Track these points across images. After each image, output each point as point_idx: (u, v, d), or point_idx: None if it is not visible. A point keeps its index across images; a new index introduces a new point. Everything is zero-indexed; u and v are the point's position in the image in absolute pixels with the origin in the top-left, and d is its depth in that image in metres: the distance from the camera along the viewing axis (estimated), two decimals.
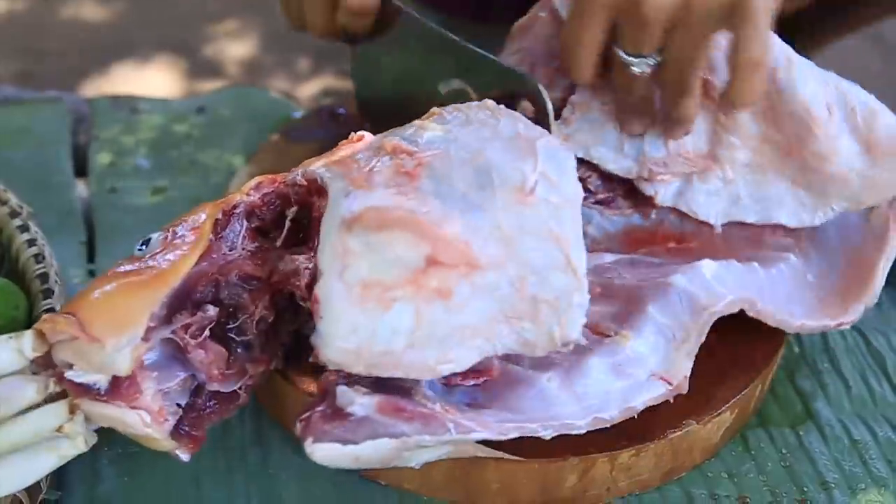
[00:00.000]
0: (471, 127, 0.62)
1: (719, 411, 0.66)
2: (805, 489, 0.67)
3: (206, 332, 0.58)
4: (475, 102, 0.65)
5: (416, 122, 0.63)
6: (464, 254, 0.56)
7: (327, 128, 0.89)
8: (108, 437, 0.58)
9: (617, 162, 0.73)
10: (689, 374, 0.64)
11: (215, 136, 0.95)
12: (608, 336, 0.65)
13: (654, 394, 0.63)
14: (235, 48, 1.99)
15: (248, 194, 0.61)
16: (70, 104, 0.97)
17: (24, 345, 0.56)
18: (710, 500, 0.66)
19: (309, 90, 1.83)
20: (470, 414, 0.59)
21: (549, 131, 0.66)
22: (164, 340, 0.57)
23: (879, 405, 0.74)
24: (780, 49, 0.70)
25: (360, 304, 0.55)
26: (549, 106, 0.69)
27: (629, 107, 0.71)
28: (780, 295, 0.69)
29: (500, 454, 0.60)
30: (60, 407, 0.55)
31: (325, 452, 0.55)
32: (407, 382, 0.58)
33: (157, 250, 0.59)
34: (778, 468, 0.68)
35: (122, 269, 0.58)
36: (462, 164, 0.59)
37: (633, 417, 0.62)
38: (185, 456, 0.58)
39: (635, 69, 0.67)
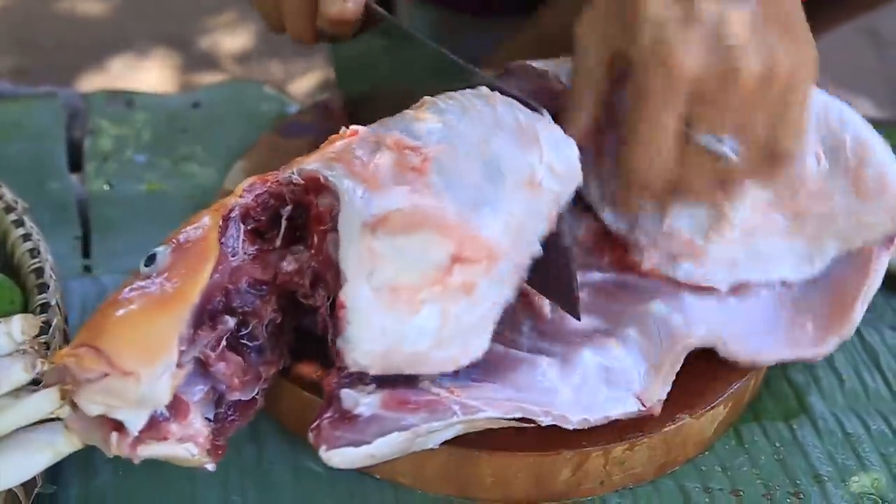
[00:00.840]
0: (469, 116, 0.62)
1: (713, 405, 0.66)
2: (798, 482, 0.67)
3: (224, 343, 0.57)
4: (468, 90, 0.64)
5: (410, 112, 0.63)
6: (485, 248, 0.57)
7: (322, 123, 0.88)
8: None
9: (611, 218, 0.71)
10: (664, 398, 0.63)
11: (210, 130, 0.94)
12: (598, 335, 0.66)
13: (627, 409, 0.63)
14: (231, 42, 1.98)
15: (241, 196, 0.60)
16: (65, 99, 0.97)
17: (13, 328, 0.56)
18: (704, 494, 0.66)
19: (305, 84, 1.83)
20: (474, 391, 0.59)
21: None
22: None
23: (872, 399, 0.74)
24: None
25: (389, 307, 0.55)
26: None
27: (681, 190, 0.65)
28: (755, 327, 0.68)
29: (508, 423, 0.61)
30: (52, 393, 0.54)
31: (341, 457, 0.55)
32: None
33: (166, 265, 0.57)
34: (771, 461, 0.68)
35: (132, 288, 0.56)
36: (468, 157, 0.59)
37: None
38: (211, 466, 0.56)
39: (728, 153, 0.61)
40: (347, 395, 0.57)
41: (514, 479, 0.63)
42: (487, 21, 1.21)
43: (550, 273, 0.63)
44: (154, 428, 0.54)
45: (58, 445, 0.55)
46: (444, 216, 0.56)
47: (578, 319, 0.65)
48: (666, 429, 0.64)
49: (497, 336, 0.59)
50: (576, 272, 0.64)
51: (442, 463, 0.63)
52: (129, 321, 0.54)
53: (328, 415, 0.57)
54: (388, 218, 0.55)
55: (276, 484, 0.65)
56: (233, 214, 0.59)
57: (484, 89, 0.64)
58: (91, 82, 1.85)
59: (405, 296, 0.55)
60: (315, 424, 0.56)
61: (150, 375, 0.52)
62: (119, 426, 0.53)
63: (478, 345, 0.58)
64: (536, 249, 0.60)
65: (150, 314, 0.54)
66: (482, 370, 0.61)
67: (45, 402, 0.54)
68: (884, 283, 0.81)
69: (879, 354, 0.77)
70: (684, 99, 0.60)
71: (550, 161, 0.61)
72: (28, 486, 0.58)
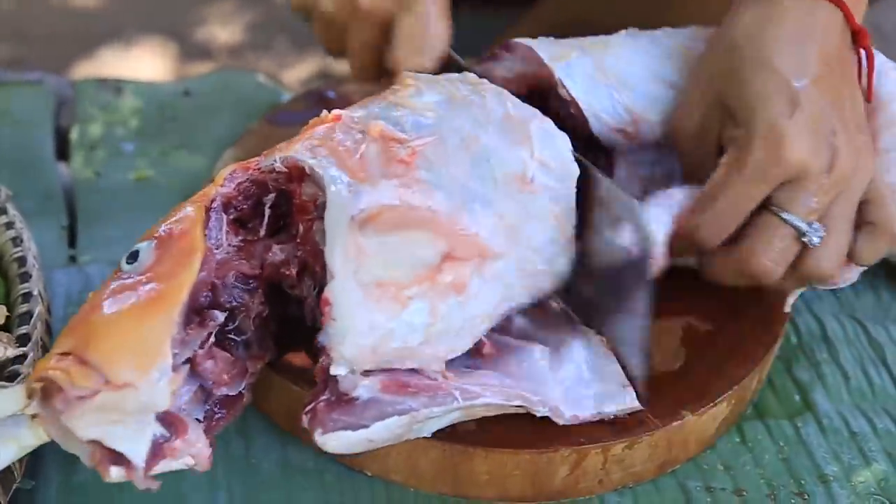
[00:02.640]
0: (456, 106, 0.60)
1: (715, 402, 0.65)
2: (803, 482, 0.65)
3: (211, 340, 0.55)
4: (454, 74, 0.63)
5: (392, 96, 0.61)
6: (477, 246, 0.56)
7: (315, 112, 0.86)
8: None
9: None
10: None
11: (201, 119, 0.93)
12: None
13: (622, 405, 0.62)
14: (225, 32, 1.97)
15: (222, 185, 0.58)
16: (53, 86, 0.96)
17: None
18: (706, 493, 0.64)
19: (298, 73, 1.82)
20: (472, 378, 0.58)
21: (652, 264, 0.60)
22: None
23: (879, 397, 0.72)
24: None
25: (376, 302, 0.54)
26: (659, 237, 0.61)
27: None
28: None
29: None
30: (17, 392, 0.51)
31: (337, 441, 0.54)
32: None
33: (150, 263, 0.54)
34: (775, 460, 0.67)
35: (115, 288, 0.53)
36: (456, 152, 0.58)
37: None
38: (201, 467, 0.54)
39: (813, 238, 0.62)
40: (345, 377, 0.55)
41: (510, 477, 0.62)
42: (486, 13, 1.19)
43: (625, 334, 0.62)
44: (159, 454, 0.52)
45: (22, 439, 0.52)
46: (436, 214, 0.55)
47: (641, 403, 0.63)
48: (667, 426, 0.63)
49: None
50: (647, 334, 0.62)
51: (436, 460, 0.61)
52: (118, 327, 0.51)
53: (324, 397, 0.55)
54: (378, 215, 0.54)
55: (264, 480, 0.64)
56: (215, 205, 0.57)
57: (471, 76, 0.62)
58: (85, 72, 1.84)
59: (392, 291, 0.54)
60: (310, 407, 0.55)
61: (148, 383, 0.50)
62: (119, 457, 0.51)
63: (467, 343, 0.58)
64: (541, 250, 0.59)
65: (138, 318, 0.51)
66: (473, 357, 0.60)
67: (9, 401, 0.51)
68: (890, 277, 0.80)
69: (886, 350, 0.75)
70: (780, 180, 0.61)
71: (542, 156, 0.59)
72: (6, 480, 0.56)
